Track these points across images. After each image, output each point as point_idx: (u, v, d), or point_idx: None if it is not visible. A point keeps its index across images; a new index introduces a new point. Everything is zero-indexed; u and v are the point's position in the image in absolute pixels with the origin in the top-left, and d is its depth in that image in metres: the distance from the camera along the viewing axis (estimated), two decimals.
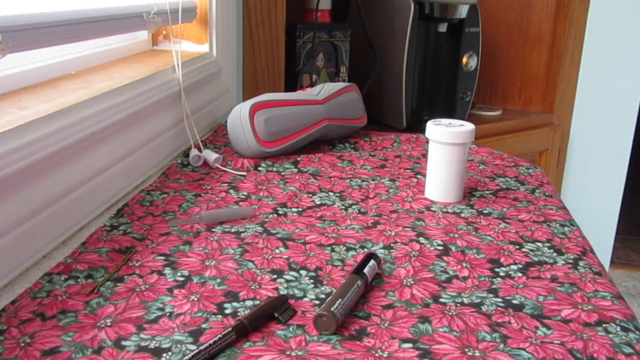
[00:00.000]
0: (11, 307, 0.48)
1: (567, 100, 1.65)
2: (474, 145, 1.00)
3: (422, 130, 0.97)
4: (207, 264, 0.57)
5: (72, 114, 0.63)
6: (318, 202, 0.74)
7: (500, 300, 0.52)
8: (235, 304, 0.51)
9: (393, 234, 0.65)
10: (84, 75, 0.79)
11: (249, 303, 0.51)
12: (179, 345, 0.44)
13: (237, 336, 0.45)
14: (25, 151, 0.54)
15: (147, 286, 0.53)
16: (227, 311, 0.49)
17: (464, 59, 1.38)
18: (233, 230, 0.65)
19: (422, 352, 0.45)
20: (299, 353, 0.44)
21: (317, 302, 0.51)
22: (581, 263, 0.60)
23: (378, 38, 1.35)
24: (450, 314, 0.50)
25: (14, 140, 0.53)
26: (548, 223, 0.69)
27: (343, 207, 0.73)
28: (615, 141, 1.70)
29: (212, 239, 0.63)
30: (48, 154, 0.57)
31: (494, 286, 0.55)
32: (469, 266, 0.59)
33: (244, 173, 0.83)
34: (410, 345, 0.46)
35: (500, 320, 0.49)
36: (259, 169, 0.85)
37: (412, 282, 0.55)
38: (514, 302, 0.52)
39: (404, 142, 1.04)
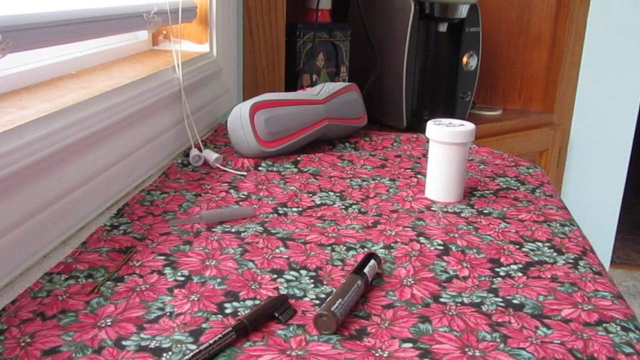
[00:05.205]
0: (11, 306, 0.48)
1: (567, 100, 1.65)
2: (474, 145, 1.00)
3: (423, 130, 0.97)
4: (207, 263, 0.57)
5: (73, 114, 0.63)
6: (318, 202, 0.74)
7: (500, 300, 0.52)
8: (235, 303, 0.51)
9: (393, 233, 0.65)
10: (85, 75, 0.79)
11: (249, 303, 0.51)
12: (179, 345, 0.44)
13: (237, 336, 0.45)
14: (25, 151, 0.54)
15: (147, 286, 0.53)
16: (228, 311, 0.49)
17: (464, 59, 1.38)
18: (233, 230, 0.65)
19: (422, 351, 0.45)
20: (299, 353, 0.44)
21: (318, 301, 0.51)
22: (581, 263, 0.60)
23: (378, 38, 1.35)
24: (450, 313, 0.50)
25: (14, 140, 0.53)
26: (548, 223, 0.69)
27: (343, 207, 0.73)
28: (615, 141, 1.69)
29: (212, 238, 0.63)
30: (48, 154, 0.57)
31: (494, 286, 0.55)
32: (469, 266, 0.59)
33: (244, 173, 0.83)
34: (411, 345, 0.46)
35: (500, 320, 0.49)
36: (259, 168, 0.85)
37: (412, 282, 0.55)
38: (514, 301, 0.52)
39: (404, 141, 1.04)
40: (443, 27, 1.35)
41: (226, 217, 0.67)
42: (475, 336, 0.47)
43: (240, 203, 0.73)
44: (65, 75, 0.78)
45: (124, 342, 0.44)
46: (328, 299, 0.49)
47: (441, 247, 0.62)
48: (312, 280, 0.55)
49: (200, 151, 0.87)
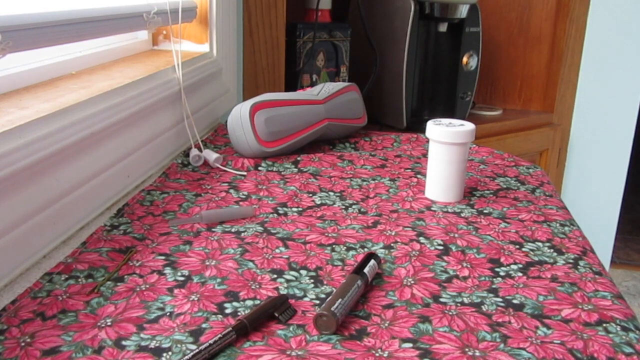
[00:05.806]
0: (11, 306, 0.48)
1: (567, 100, 1.65)
2: (474, 145, 1.00)
3: (423, 130, 0.97)
4: (207, 263, 0.57)
5: (73, 114, 0.63)
6: (318, 202, 0.74)
7: (500, 300, 0.52)
8: (235, 303, 0.51)
9: (393, 233, 0.65)
10: (84, 75, 0.79)
11: (249, 303, 0.51)
12: (179, 345, 0.44)
13: (237, 336, 0.45)
14: (25, 151, 0.54)
15: (147, 286, 0.53)
16: (228, 311, 0.49)
17: (464, 59, 1.38)
18: (233, 230, 0.65)
19: (422, 351, 0.45)
20: (299, 353, 0.44)
21: (318, 301, 0.51)
22: (581, 263, 0.60)
23: (378, 38, 1.35)
24: (450, 313, 0.50)
25: (14, 140, 0.53)
26: (548, 223, 0.69)
27: (343, 207, 0.73)
28: (615, 141, 1.69)
29: (212, 238, 0.63)
30: (48, 154, 0.57)
31: (494, 286, 0.55)
32: (469, 266, 0.59)
33: (244, 173, 0.83)
34: (411, 345, 0.46)
35: (500, 320, 0.49)
36: (259, 168, 0.85)
37: (412, 282, 0.55)
38: (514, 301, 0.52)
39: (404, 141, 1.04)
40: (443, 27, 1.35)
41: (226, 217, 0.67)
42: (475, 336, 0.47)
43: (240, 203, 0.73)
44: (65, 75, 0.78)
45: (124, 342, 0.44)
46: (328, 299, 0.49)
47: (441, 247, 0.62)
48: (312, 280, 0.55)
49: (200, 151, 0.87)
